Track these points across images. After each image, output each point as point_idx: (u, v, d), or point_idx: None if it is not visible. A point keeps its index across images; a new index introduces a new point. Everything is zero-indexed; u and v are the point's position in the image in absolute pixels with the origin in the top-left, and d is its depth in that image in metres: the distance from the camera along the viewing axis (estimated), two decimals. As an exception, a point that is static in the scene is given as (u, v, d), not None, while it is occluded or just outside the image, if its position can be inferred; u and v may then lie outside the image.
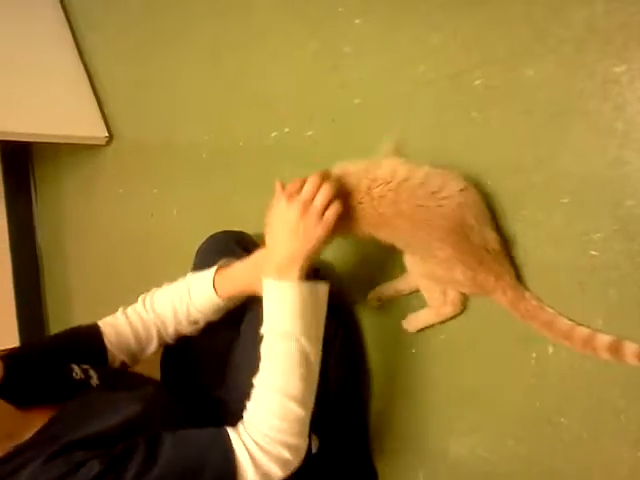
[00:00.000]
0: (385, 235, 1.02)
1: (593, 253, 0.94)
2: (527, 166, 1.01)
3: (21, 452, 0.78)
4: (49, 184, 2.50)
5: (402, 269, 1.13)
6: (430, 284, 1.08)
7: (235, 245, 1.28)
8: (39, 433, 0.82)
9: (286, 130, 1.45)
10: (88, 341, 1.10)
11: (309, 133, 1.38)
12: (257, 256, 1.05)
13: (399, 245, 1.04)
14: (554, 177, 0.98)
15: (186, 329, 1.12)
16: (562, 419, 0.99)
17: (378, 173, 0.98)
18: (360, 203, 0.98)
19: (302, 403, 0.88)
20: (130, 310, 1.14)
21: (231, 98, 1.63)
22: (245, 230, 1.41)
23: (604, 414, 0.95)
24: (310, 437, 1.07)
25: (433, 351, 1.15)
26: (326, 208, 0.94)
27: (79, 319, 2.32)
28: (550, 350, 0.99)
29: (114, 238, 2.11)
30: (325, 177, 0.97)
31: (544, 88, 0.99)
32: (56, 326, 2.49)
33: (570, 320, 0.95)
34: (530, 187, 1.00)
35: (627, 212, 0.91)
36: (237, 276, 1.06)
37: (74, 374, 0.95)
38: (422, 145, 1.16)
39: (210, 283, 1.06)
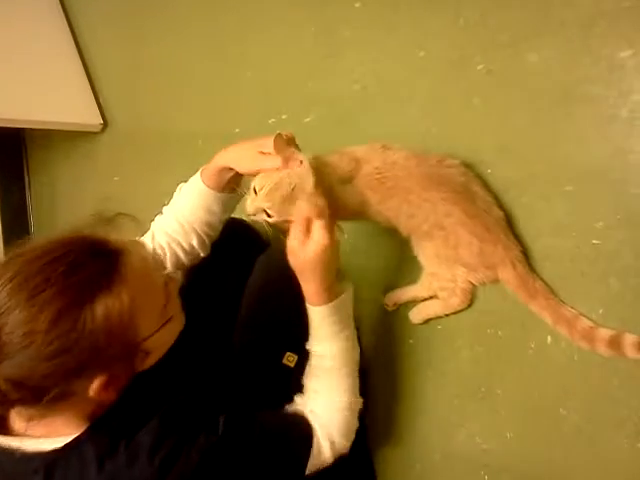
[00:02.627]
0: (393, 206, 0.98)
1: (595, 242, 0.93)
2: (529, 153, 0.99)
3: None
4: (43, 171, 2.47)
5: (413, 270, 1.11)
6: (438, 272, 1.05)
7: (232, 234, 1.26)
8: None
9: (284, 117, 1.42)
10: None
11: (307, 119, 1.36)
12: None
13: (405, 220, 1.00)
14: (556, 165, 0.97)
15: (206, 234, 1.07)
16: (561, 410, 0.98)
17: (387, 153, 0.98)
18: (371, 175, 0.97)
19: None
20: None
21: (228, 84, 1.61)
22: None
23: (603, 405, 0.94)
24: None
25: (431, 342, 1.14)
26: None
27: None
28: (549, 340, 0.98)
29: (108, 227, 2.09)
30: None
31: (547, 74, 0.98)
32: None
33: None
34: (532, 175, 0.99)
35: (630, 200, 0.90)
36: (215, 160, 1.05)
37: None
38: (422, 131, 1.14)
39: (197, 178, 1.07)
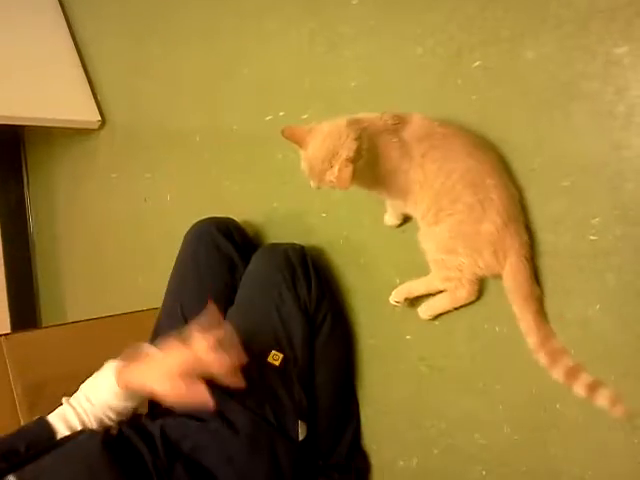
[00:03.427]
0: (438, 157, 0.98)
1: (592, 238, 0.93)
2: (526, 149, 0.99)
3: None
4: (41, 168, 2.47)
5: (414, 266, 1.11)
6: (445, 259, 1.02)
7: (218, 234, 1.28)
8: None
9: (281, 114, 1.43)
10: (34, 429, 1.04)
11: (304, 116, 1.36)
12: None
13: (442, 179, 0.98)
14: (554, 160, 0.97)
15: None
16: (558, 405, 0.98)
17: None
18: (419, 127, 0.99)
19: None
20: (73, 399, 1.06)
21: (225, 81, 1.61)
22: (238, 215, 1.39)
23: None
24: (298, 424, 1.08)
25: (428, 337, 1.14)
26: None
27: (70, 303, 2.32)
28: (547, 336, 0.98)
29: (106, 222, 2.09)
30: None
31: (544, 70, 0.98)
32: (47, 310, 2.48)
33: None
34: (529, 170, 0.99)
35: (628, 196, 0.90)
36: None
37: None
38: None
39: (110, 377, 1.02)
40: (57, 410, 1.04)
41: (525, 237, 0.98)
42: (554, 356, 0.94)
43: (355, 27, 1.26)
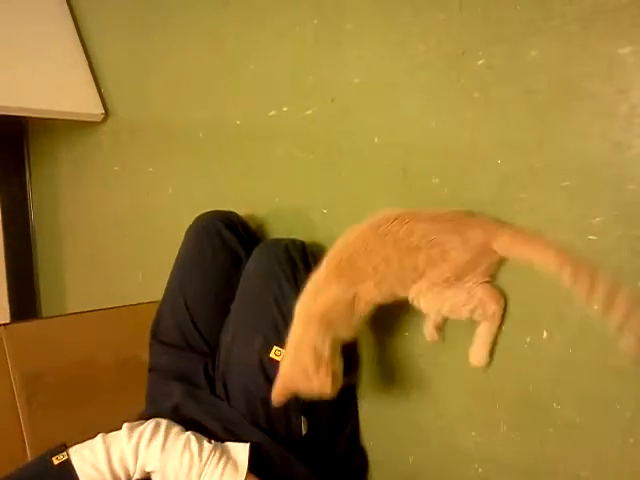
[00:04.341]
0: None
1: (592, 238, 0.93)
2: (528, 148, 0.99)
3: None
4: (44, 161, 2.47)
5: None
6: (454, 300, 0.99)
7: (222, 227, 1.27)
8: None
9: (284, 109, 1.43)
10: None
11: (308, 112, 1.36)
12: None
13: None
14: (555, 160, 0.96)
15: None
16: (555, 404, 0.98)
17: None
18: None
19: None
20: (116, 459, 0.97)
21: (229, 76, 1.61)
22: (240, 209, 1.39)
23: (597, 400, 0.94)
24: (300, 419, 1.08)
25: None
26: None
27: (71, 297, 2.33)
28: (544, 335, 0.99)
29: (109, 216, 2.10)
30: None
31: (547, 69, 0.97)
32: (47, 303, 2.48)
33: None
34: (530, 169, 0.99)
35: (628, 197, 0.90)
36: None
37: None
38: (422, 126, 1.14)
39: None
40: (91, 467, 0.96)
41: (487, 219, 1.00)
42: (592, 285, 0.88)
43: (359, 24, 1.26)
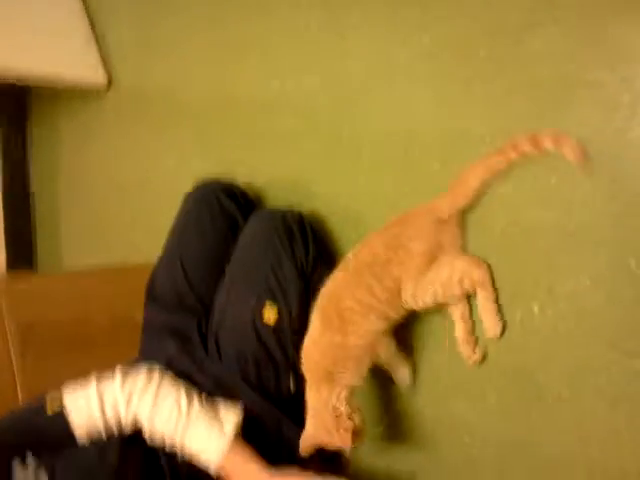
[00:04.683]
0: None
1: (588, 214, 0.95)
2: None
3: None
4: (46, 128, 2.46)
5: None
6: (438, 279, 1.02)
7: (221, 193, 1.29)
8: None
9: (288, 82, 1.44)
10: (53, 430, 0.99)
11: (311, 86, 1.37)
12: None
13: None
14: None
15: None
16: (542, 377, 1.00)
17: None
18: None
19: None
20: (109, 406, 0.98)
21: (234, 47, 1.61)
22: (241, 180, 1.40)
23: (584, 374, 0.96)
24: (289, 376, 1.10)
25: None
26: None
27: (68, 258, 2.33)
28: (535, 310, 1.01)
29: (109, 185, 2.09)
30: None
31: (550, 59, 0.98)
32: (44, 262, 2.47)
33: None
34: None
35: (628, 181, 0.91)
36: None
37: None
38: (424, 116, 1.15)
39: (215, 460, 0.97)
40: (86, 413, 0.97)
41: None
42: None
43: (363, 15, 1.26)
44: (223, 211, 1.26)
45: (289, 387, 1.14)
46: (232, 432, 0.98)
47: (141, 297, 1.27)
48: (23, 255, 2.39)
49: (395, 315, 1.05)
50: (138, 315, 1.27)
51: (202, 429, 0.97)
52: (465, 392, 1.11)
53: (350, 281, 1.04)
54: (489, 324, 1.03)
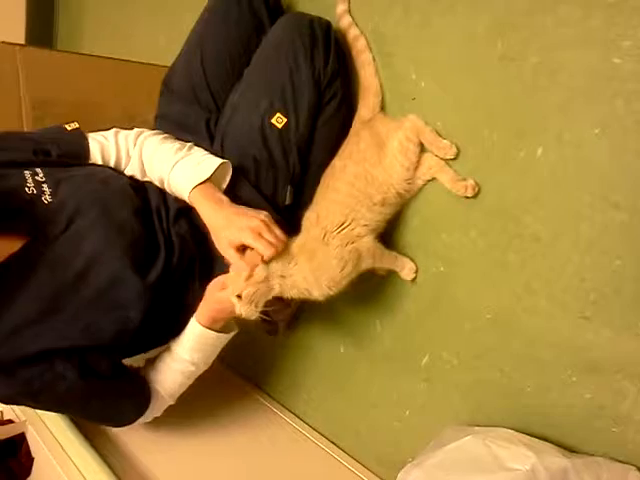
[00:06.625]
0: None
1: (616, 61, 0.92)
2: None
3: None
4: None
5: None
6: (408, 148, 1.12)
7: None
8: None
9: None
10: (71, 141, 1.10)
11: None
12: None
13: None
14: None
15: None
16: (527, 217, 1.04)
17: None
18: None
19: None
20: (122, 136, 1.13)
21: None
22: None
23: (567, 219, 1.00)
24: (287, 189, 1.14)
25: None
26: None
27: (88, 43, 2.28)
28: (539, 152, 1.02)
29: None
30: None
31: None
32: (64, 40, 2.43)
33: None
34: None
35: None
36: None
37: (26, 188, 0.95)
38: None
39: (189, 190, 1.05)
40: (101, 136, 1.11)
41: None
42: None
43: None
44: (251, 10, 1.21)
45: (285, 198, 1.17)
46: (212, 169, 1.05)
47: (157, 100, 1.27)
48: (43, 33, 2.32)
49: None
50: (151, 118, 1.29)
51: (189, 165, 1.07)
52: (448, 222, 1.16)
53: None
54: (438, 149, 1.13)
